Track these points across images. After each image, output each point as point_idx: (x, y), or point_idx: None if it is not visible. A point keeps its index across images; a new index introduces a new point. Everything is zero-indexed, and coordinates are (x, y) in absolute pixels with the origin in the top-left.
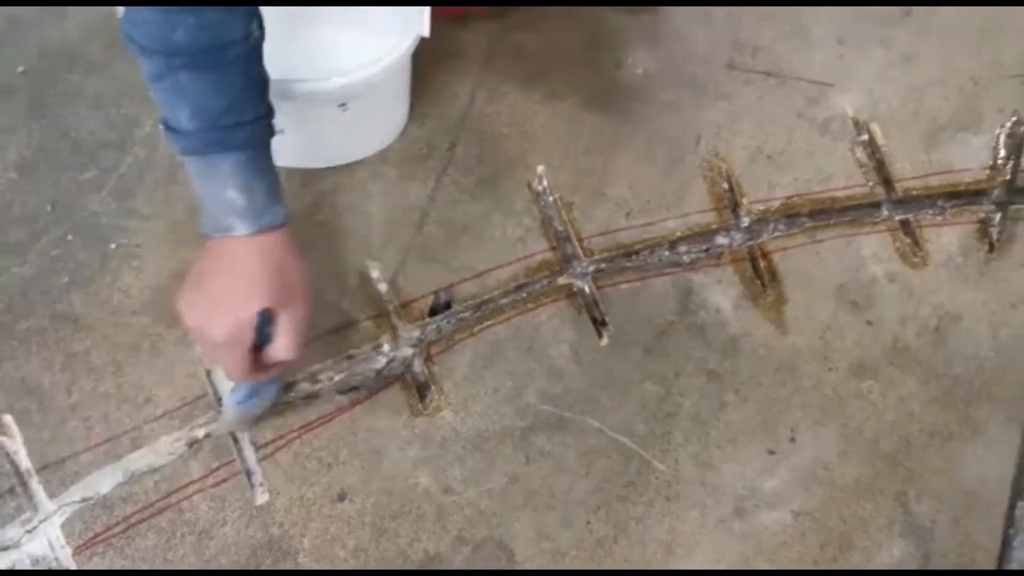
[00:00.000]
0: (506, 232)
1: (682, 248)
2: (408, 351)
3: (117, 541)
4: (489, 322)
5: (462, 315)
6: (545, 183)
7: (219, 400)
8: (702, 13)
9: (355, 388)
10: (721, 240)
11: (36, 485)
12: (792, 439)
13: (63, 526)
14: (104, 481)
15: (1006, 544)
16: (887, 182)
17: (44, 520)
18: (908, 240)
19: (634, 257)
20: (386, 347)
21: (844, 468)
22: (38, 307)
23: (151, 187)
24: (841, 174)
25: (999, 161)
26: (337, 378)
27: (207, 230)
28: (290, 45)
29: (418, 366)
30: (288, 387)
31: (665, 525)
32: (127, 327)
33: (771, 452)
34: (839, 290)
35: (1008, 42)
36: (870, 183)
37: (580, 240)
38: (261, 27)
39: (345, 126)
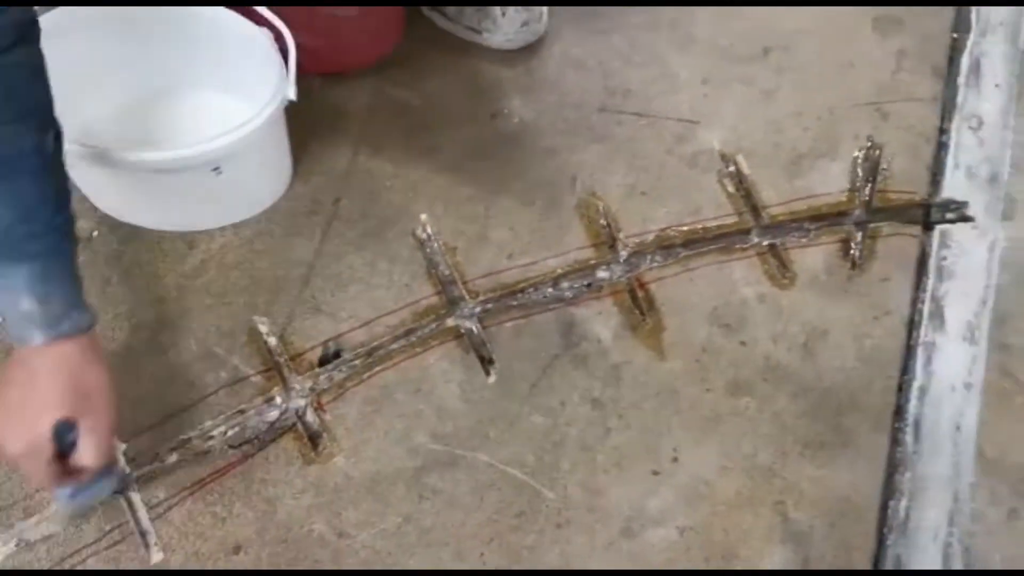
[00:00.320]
0: (392, 279)
1: (564, 284)
2: (300, 401)
3: None
4: (379, 368)
5: (352, 363)
6: (429, 230)
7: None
8: (574, 60)
9: (248, 441)
10: (601, 274)
11: None
12: (674, 459)
13: None
14: None
15: (881, 543)
16: (755, 210)
17: None
18: (776, 262)
19: (518, 295)
20: (278, 399)
21: (724, 483)
22: None
23: None
24: (711, 204)
25: (857, 183)
26: (230, 433)
27: (10, 340)
28: (160, 114)
29: (310, 415)
30: (181, 445)
31: (556, 551)
32: None
33: (655, 472)
34: (712, 314)
35: (862, 73)
36: (739, 212)
37: (465, 283)
38: (59, 139)
39: (222, 189)
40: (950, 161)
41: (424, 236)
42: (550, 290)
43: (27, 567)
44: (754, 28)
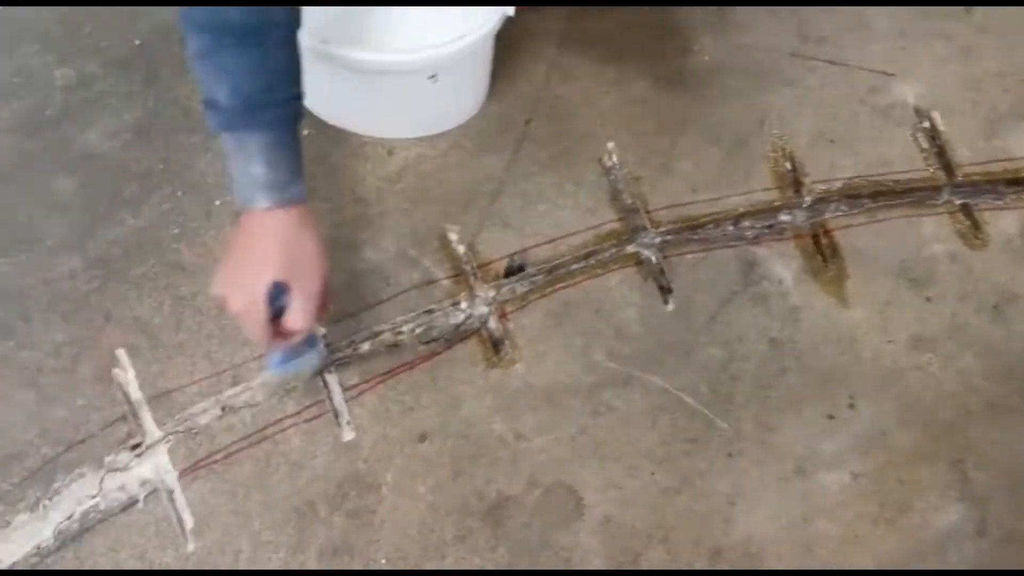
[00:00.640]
0: (578, 202)
1: (746, 223)
2: (484, 309)
3: (218, 467)
4: (560, 285)
5: (535, 277)
6: (615, 158)
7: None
8: (767, 7)
9: (435, 340)
10: (784, 217)
11: (145, 414)
12: (851, 405)
13: (169, 452)
14: (206, 413)
15: None
16: (948, 167)
17: (152, 446)
18: (968, 222)
19: (699, 230)
20: (464, 304)
21: (902, 434)
22: (150, 255)
23: None
24: (902, 158)
25: None
26: (418, 330)
27: (238, 204)
28: (383, 20)
29: (493, 322)
30: (373, 336)
31: (727, 480)
32: None
33: (830, 416)
34: (900, 267)
35: None
36: (931, 168)
37: (648, 212)
38: (298, 17)
39: (433, 98)
40: None
41: (610, 164)
42: (731, 228)
43: (233, 430)
44: None
